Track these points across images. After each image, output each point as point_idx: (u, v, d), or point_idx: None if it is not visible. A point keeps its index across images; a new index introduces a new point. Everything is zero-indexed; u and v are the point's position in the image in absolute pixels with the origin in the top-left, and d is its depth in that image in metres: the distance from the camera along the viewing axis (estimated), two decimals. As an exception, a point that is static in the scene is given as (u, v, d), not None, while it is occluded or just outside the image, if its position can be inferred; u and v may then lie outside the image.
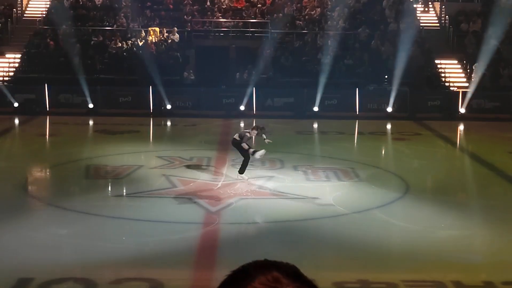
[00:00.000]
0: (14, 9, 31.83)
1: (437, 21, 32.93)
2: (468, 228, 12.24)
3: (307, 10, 32.10)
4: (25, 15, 32.32)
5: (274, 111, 27.01)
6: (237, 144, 15.09)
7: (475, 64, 29.12)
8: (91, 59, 28.98)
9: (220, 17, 31.64)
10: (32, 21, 31.70)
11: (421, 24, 32.02)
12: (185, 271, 9.96)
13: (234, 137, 15.25)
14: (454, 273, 9.93)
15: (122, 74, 28.40)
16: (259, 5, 32.29)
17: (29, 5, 32.77)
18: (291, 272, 1.75)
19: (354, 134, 24.22)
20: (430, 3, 33.66)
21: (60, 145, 20.53)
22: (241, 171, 15.10)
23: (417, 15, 32.44)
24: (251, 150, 15.05)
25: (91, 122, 25.49)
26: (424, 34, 31.40)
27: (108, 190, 15.15)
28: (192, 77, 29.13)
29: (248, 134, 15.13)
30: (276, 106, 27.54)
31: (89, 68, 27.96)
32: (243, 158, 15.11)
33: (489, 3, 32.50)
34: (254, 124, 17.39)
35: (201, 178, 15.47)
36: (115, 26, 30.90)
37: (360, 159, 18.46)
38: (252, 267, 1.77)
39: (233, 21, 31.43)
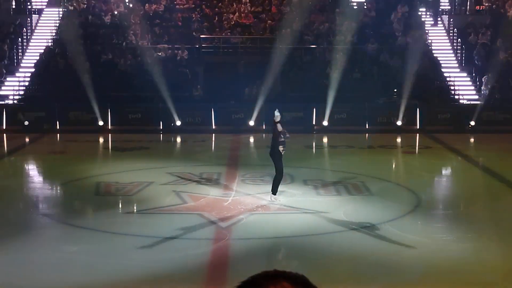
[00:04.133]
0: (24, 28, 32.04)
1: (445, 34, 32.91)
2: (480, 241, 12.15)
3: (315, 25, 32.17)
4: (34, 34, 32.49)
5: (284, 125, 26.91)
6: (273, 156, 14.62)
7: (485, 77, 29.07)
8: (101, 77, 29.09)
9: (228, 34, 31.75)
10: (41, 40, 31.87)
11: (429, 37, 32.01)
12: (196, 287, 9.92)
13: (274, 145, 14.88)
14: (467, 286, 9.86)
15: (131, 91, 28.46)
16: (268, 21, 32.38)
17: (38, 24, 32.95)
18: (300, 281, 1.74)
19: (364, 148, 24.16)
20: (438, 16, 33.64)
21: (70, 162, 20.56)
22: (274, 191, 14.50)
23: (426, 28, 32.44)
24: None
25: (100, 139, 25.55)
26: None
27: (119, 207, 15.13)
28: (200, 93, 29.19)
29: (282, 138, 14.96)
30: (285, 120, 27.46)
31: (99, 86, 28.05)
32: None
33: (497, 15, 32.49)
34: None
35: (211, 193, 15.44)
36: (124, 43, 31.04)
37: (370, 173, 18.39)
38: (262, 278, 1.76)
39: (242, 37, 31.53)
